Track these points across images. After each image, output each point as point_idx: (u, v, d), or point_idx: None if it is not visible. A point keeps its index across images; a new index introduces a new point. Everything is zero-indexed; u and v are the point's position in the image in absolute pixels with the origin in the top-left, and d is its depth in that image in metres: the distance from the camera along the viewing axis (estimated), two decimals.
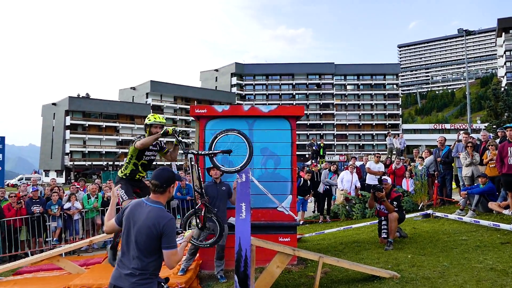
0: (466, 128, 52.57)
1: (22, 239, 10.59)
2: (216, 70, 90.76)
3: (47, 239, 10.73)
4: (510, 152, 7.80)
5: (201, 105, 8.83)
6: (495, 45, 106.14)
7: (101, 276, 6.68)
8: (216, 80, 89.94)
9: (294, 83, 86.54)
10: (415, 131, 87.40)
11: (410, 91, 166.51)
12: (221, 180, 6.63)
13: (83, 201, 11.21)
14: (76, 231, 11.12)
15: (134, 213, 3.34)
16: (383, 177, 8.84)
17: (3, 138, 35.76)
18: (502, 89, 42.54)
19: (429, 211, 10.11)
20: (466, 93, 35.41)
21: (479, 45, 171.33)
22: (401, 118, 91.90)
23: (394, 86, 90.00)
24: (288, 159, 7.16)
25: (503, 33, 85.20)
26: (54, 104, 70.73)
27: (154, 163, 6.53)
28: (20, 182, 34.85)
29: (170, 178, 3.44)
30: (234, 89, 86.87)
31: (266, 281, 5.49)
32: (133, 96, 79.54)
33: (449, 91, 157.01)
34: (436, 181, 11.46)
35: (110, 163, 64.26)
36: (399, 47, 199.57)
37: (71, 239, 11.04)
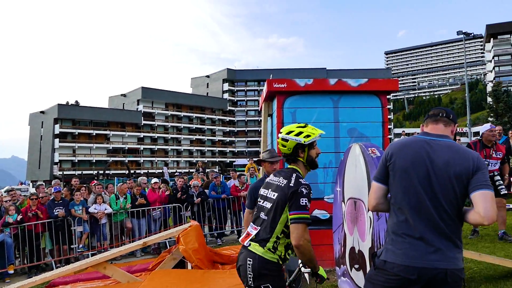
0: (463, 131, 52.39)
1: (43, 247, 9.42)
2: (208, 76, 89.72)
3: (72, 246, 9.53)
4: None
5: (279, 78, 7.93)
6: (483, 51, 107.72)
7: (167, 285, 5.61)
8: (207, 87, 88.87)
9: None
10: (407, 134, 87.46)
11: (398, 97, 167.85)
12: None
13: (111, 202, 10.06)
14: (104, 236, 9.93)
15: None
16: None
17: None
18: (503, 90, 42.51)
19: None
20: (466, 95, 35.20)
21: (459, 52, 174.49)
22: (392, 123, 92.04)
23: None
24: (379, 140, 6.22)
25: (492, 39, 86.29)
26: (42, 112, 68.70)
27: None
28: (7, 194, 33.00)
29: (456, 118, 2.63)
30: (226, 95, 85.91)
31: None
32: (123, 103, 77.91)
33: (436, 96, 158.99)
34: None
35: (101, 172, 62.62)
36: (386, 54, 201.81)
37: (98, 245, 9.86)
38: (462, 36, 33.30)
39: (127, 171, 46.53)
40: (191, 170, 47.19)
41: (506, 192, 6.65)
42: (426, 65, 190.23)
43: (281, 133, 3.03)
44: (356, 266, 4.48)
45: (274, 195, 2.88)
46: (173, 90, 79.73)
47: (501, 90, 42.61)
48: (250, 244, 2.91)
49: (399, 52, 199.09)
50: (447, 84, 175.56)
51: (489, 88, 72.04)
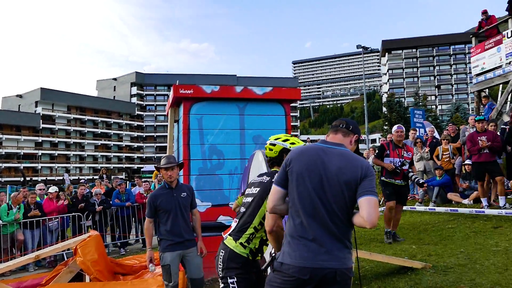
0: (362, 138, 56.32)
1: None
2: (115, 79, 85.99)
3: None
4: (480, 141, 7.96)
5: (186, 84, 7.63)
6: (379, 64, 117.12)
7: None
8: (114, 90, 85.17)
9: None
10: (312, 141, 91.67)
11: (304, 105, 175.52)
12: (178, 183, 4.64)
13: (1, 212, 9.16)
14: None
15: None
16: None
17: None
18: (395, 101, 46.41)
19: None
20: (364, 105, 38.03)
21: (359, 64, 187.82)
22: (299, 130, 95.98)
23: None
24: None
25: (387, 54, 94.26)
26: None
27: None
28: None
29: (359, 130, 2.78)
30: (134, 99, 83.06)
31: None
32: (19, 105, 71.66)
33: (338, 105, 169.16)
34: None
35: None
36: (294, 63, 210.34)
37: None
38: (361, 50, 35.80)
39: (22, 178, 42.80)
40: (95, 177, 44.78)
41: (423, 181, 7.24)
42: (330, 75, 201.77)
43: (269, 140, 3.35)
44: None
45: (256, 190, 3.14)
46: (76, 92, 75.22)
47: (394, 101, 46.49)
48: (226, 238, 3.20)
49: (306, 62, 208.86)
50: (349, 94, 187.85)
51: (384, 98, 78.41)
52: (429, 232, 7.27)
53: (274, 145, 3.30)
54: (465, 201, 9.24)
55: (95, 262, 6.12)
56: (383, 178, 7.01)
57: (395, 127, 7.24)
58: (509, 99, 12.10)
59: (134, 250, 10.62)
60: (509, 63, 11.09)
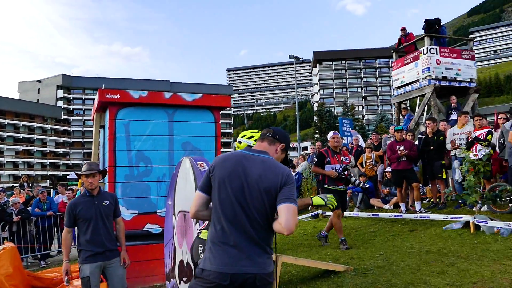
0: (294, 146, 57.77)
1: None
2: (39, 81, 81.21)
3: None
4: (399, 150, 8.49)
5: (112, 89, 7.24)
6: (311, 75, 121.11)
7: None
8: (38, 92, 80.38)
9: None
10: None
11: (238, 112, 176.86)
12: (101, 191, 4.40)
13: None
14: None
15: None
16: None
17: None
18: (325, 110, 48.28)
19: (319, 211, 10.42)
20: (296, 113, 39.12)
21: (292, 74, 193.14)
22: (232, 137, 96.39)
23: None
24: (212, 154, 6.43)
25: (318, 64, 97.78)
26: None
27: None
28: None
29: (288, 139, 2.82)
30: (61, 103, 78.91)
31: None
32: None
33: (272, 113, 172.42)
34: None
35: None
36: (228, 71, 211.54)
37: None
38: (293, 59, 36.78)
39: None
40: (15, 185, 41.78)
41: (367, 186, 7.48)
42: (264, 83, 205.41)
43: (238, 137, 3.61)
44: (185, 279, 4.52)
45: None
46: None
47: (324, 110, 48.41)
48: (201, 232, 3.29)
49: (240, 70, 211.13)
50: (282, 102, 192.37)
51: (315, 108, 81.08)
52: (352, 236, 7.62)
53: (240, 143, 3.55)
54: (386, 206, 9.79)
55: (9, 277, 5.76)
56: (326, 186, 6.95)
57: (331, 133, 7.19)
58: (425, 111, 13.05)
59: (56, 262, 10.04)
60: (425, 77, 11.97)
